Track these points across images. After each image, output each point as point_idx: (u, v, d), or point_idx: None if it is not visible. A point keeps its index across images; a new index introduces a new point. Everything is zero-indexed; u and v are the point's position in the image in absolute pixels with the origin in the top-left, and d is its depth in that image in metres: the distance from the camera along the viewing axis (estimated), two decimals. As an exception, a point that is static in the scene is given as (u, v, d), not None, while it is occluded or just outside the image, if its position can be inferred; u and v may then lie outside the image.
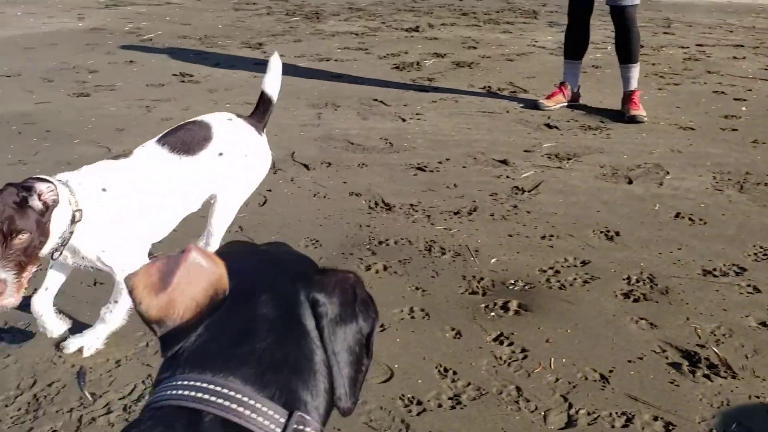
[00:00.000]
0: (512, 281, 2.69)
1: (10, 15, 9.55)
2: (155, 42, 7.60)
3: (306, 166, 3.94)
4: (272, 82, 2.79)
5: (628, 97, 4.78)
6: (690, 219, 3.23)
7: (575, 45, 5.05)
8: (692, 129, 4.53)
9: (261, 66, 6.38)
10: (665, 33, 7.87)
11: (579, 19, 5.00)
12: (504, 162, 3.98)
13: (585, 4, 4.94)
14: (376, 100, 5.31)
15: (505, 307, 2.51)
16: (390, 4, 10.32)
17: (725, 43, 7.19)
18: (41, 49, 7.16)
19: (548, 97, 5.02)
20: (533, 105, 5.03)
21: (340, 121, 4.78)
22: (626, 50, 4.80)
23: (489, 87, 5.62)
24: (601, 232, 3.10)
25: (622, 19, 4.74)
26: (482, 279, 2.70)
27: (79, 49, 7.17)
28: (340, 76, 6.05)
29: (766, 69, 6.07)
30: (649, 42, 7.25)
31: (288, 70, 6.21)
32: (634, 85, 4.80)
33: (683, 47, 7.07)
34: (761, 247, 2.94)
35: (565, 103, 5.02)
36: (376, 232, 3.12)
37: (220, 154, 2.39)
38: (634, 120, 4.62)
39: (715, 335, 2.33)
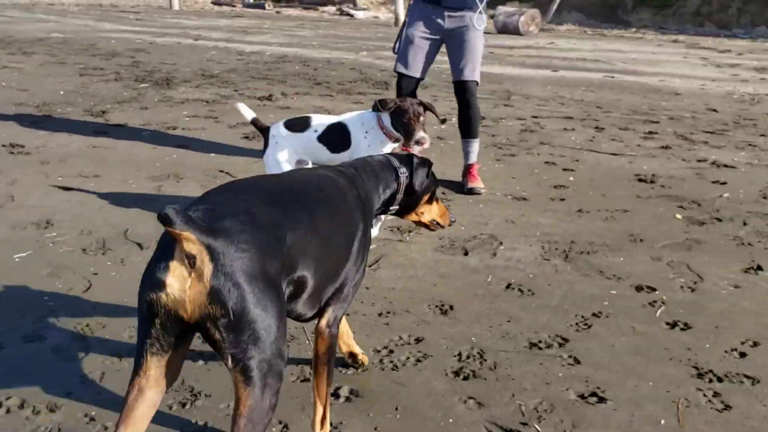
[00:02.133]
0: (345, 364, 2.64)
1: None
2: (-15, 108, 7.10)
3: (139, 245, 3.75)
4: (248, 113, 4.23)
5: (467, 170, 4.99)
6: (519, 290, 3.36)
7: None
8: (525, 199, 4.78)
9: (102, 135, 6.13)
10: (505, 105, 8.39)
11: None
12: (347, 236, 3.98)
13: (411, 87, 4.93)
14: (222, 171, 5.21)
15: (335, 394, 2.45)
16: (244, 72, 10.32)
17: (557, 115, 7.76)
18: None
19: None
20: None
21: (182, 194, 4.62)
22: (467, 125, 5.00)
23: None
24: (437, 306, 3.15)
25: (463, 94, 4.92)
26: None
27: None
28: (186, 145, 5.90)
29: (591, 140, 6.58)
30: (489, 113, 7.68)
31: (130, 140, 6.01)
32: (473, 159, 5.03)
33: (520, 119, 7.55)
34: (582, 317, 3.10)
35: None
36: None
37: None
38: (472, 192, 4.83)
39: (537, 411, 2.39)
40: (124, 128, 6.51)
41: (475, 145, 5.05)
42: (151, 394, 1.61)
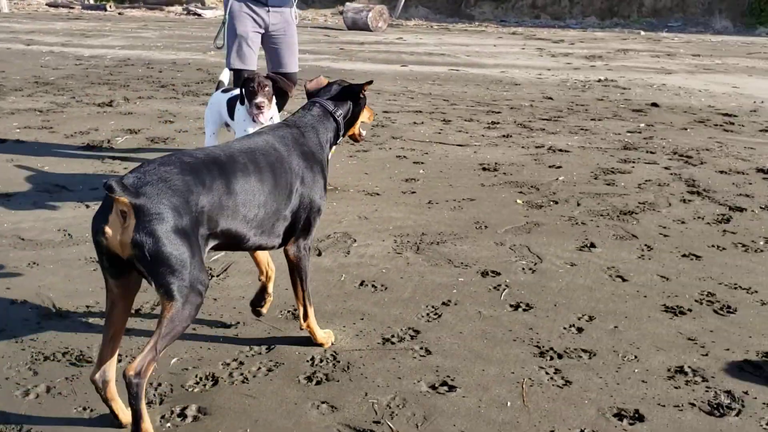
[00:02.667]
0: (192, 382, 2.54)
1: None
2: None
3: (-40, 273, 3.41)
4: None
5: None
6: (373, 286, 3.38)
7: None
8: (378, 194, 4.84)
9: None
10: (356, 101, 8.44)
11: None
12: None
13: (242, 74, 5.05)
14: (58, 185, 4.85)
15: (182, 414, 2.34)
16: (82, 78, 9.72)
17: (407, 109, 7.93)
18: None
19: None
20: None
21: (10, 214, 4.26)
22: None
23: (184, 164, 5.46)
24: (288, 311, 3.10)
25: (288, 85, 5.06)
26: (160, 384, 2.51)
27: None
28: (16, 159, 5.45)
29: (439, 132, 6.78)
30: (341, 110, 7.70)
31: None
32: None
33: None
34: (432, 307, 3.17)
35: None
36: (42, 345, 2.77)
37: None
38: None
39: (390, 408, 2.41)
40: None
41: None
42: (120, 304, 2.21)
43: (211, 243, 2.27)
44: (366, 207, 4.58)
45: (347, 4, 21.32)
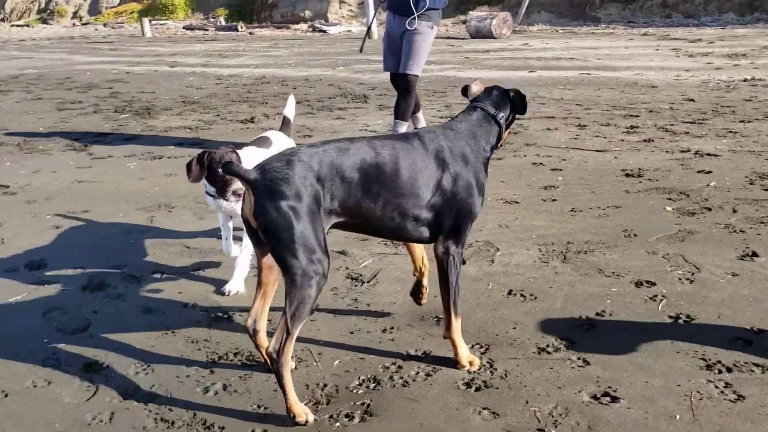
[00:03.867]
0: (356, 383, 2.63)
1: None
2: (-35, 151, 7.03)
3: (137, 278, 3.72)
4: (288, 109, 4.43)
5: None
6: (522, 295, 3.37)
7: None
8: (517, 202, 4.80)
9: (85, 170, 6.08)
10: (486, 109, 8.42)
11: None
12: (342, 252, 3.98)
13: (395, 77, 6.39)
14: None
15: (349, 415, 2.44)
16: (224, 96, 10.31)
17: (539, 116, 7.81)
18: None
19: None
20: None
21: (175, 224, 4.60)
22: (400, 109, 6.32)
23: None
24: (439, 318, 3.15)
25: (404, 84, 6.25)
26: (326, 385, 2.63)
27: None
28: (174, 174, 5.88)
29: (575, 138, 6.63)
30: (472, 119, 7.73)
31: (116, 172, 5.97)
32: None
33: (503, 122, 7.58)
34: (586, 317, 3.11)
35: None
36: (215, 346, 2.97)
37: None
38: None
39: (552, 416, 2.39)
40: (108, 161, 6.47)
41: (403, 127, 6.28)
42: (267, 271, 2.50)
43: (334, 219, 2.44)
44: (506, 215, 4.56)
45: (470, 12, 21.32)
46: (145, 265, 3.90)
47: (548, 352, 2.83)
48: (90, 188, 5.55)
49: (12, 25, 39.37)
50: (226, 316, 3.26)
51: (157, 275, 3.75)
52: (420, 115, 6.77)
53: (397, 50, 6.23)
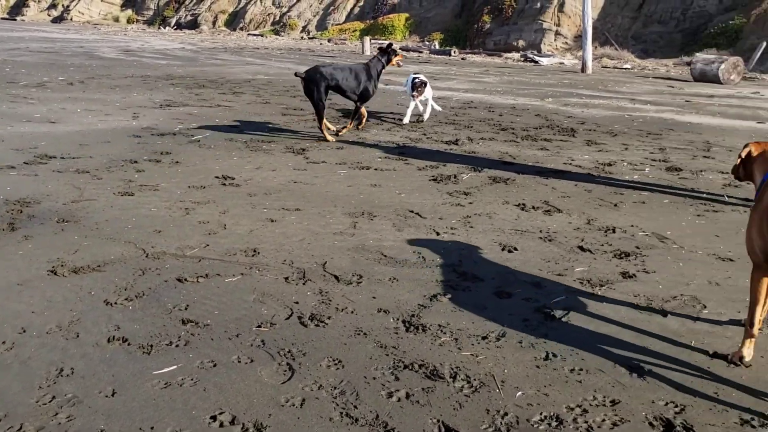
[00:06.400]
0: (538, 419, 2.59)
1: (71, 111, 10.08)
2: (202, 144, 7.90)
3: (336, 277, 3.95)
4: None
5: None
6: (726, 359, 3.11)
7: None
8: (731, 260, 4.44)
9: (300, 171, 6.58)
10: (704, 156, 7.88)
11: None
12: (537, 285, 3.93)
13: None
14: (412, 211, 5.36)
15: (527, 449, 2.40)
16: (432, 117, 10.61)
17: None
18: (95, 146, 7.50)
19: None
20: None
21: (375, 232, 4.82)
22: None
23: (523, 204, 5.64)
24: (631, 368, 2.99)
25: None
26: (506, 414, 2.61)
27: (130, 147, 7.49)
28: (378, 184, 6.16)
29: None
30: (688, 165, 7.26)
31: (327, 177, 6.39)
32: None
33: (723, 172, 7.05)
34: (804, 397, 2.80)
35: None
36: (402, 354, 3.07)
37: None
38: None
39: (753, 497, 2.18)
40: (321, 165, 6.94)
41: None
42: None
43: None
44: (717, 272, 4.23)
45: (697, 54, 20.08)
46: (345, 266, 4.13)
47: (753, 426, 2.58)
48: (303, 189, 5.99)
49: (249, 34, 43.66)
50: (417, 327, 3.35)
51: (356, 277, 3.96)
52: None
53: None
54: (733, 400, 2.77)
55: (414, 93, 9.67)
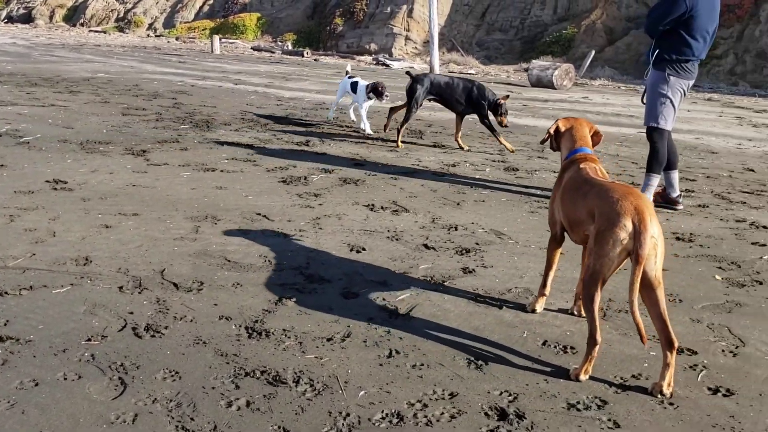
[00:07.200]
0: (379, 417, 2.61)
1: None
2: (32, 146, 7.31)
3: (175, 285, 3.78)
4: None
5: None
6: (555, 347, 3.30)
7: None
8: (561, 253, 4.72)
9: (140, 174, 6.25)
10: (539, 157, 8.38)
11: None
12: (383, 283, 3.98)
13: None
14: (259, 214, 5.26)
15: (369, 448, 2.41)
16: (282, 118, 10.49)
17: (593, 170, 7.71)
18: None
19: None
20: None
21: (219, 236, 4.67)
22: (648, 162, 6.15)
23: (372, 205, 5.70)
24: (470, 360, 3.10)
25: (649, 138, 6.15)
26: (348, 415, 2.61)
27: (-56, 148, 6.77)
28: (224, 187, 5.98)
29: None
30: (523, 165, 7.67)
31: (170, 180, 6.12)
32: (649, 193, 6.02)
33: (555, 171, 7.52)
34: (621, 378, 3.03)
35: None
36: (243, 361, 2.98)
37: None
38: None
39: (575, 475, 2.32)
40: (163, 168, 6.63)
41: (654, 180, 6.07)
42: None
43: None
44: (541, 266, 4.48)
45: (533, 61, 21.36)
46: (185, 273, 3.96)
47: (578, 409, 2.75)
48: (143, 192, 5.69)
49: (90, 30, 41.07)
50: (260, 332, 3.27)
51: (196, 284, 3.80)
52: (673, 174, 6.19)
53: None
54: (560, 386, 2.94)
55: (381, 99, 9.23)
